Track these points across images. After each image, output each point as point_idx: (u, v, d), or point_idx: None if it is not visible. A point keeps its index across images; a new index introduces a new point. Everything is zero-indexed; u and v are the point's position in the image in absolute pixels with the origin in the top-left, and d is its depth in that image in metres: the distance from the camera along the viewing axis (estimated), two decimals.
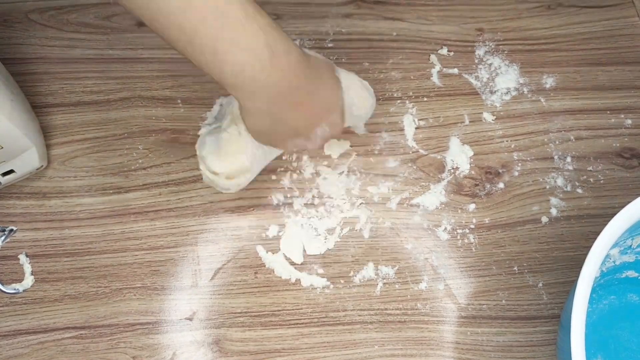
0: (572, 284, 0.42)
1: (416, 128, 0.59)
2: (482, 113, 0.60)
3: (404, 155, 0.58)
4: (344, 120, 0.50)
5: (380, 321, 0.52)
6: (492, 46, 0.64)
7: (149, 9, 0.38)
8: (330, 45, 0.63)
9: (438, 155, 0.58)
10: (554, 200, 0.57)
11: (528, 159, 0.58)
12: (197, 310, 0.52)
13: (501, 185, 0.57)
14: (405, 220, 0.56)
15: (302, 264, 0.54)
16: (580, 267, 0.40)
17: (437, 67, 0.62)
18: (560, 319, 0.48)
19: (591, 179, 0.58)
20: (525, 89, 0.62)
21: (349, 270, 0.54)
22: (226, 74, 0.41)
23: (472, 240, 0.55)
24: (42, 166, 0.55)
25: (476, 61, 0.63)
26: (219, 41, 0.39)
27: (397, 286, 0.53)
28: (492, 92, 0.61)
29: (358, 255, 0.54)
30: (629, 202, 0.41)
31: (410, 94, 0.61)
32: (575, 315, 0.38)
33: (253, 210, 0.55)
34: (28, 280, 0.52)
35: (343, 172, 0.57)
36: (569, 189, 0.57)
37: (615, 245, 0.43)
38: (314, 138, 0.48)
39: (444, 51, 0.63)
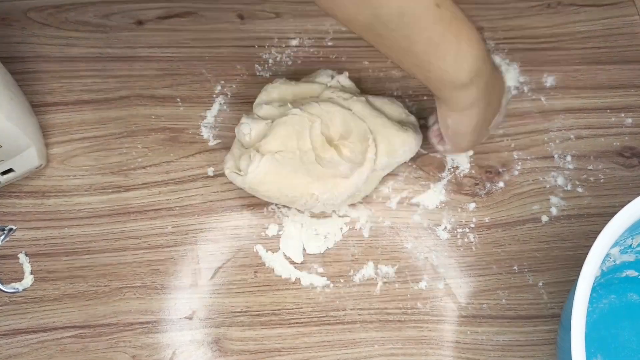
0: (572, 283, 0.42)
1: None
2: None
3: None
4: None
5: (380, 320, 0.52)
6: (493, 45, 0.63)
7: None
8: (330, 44, 0.62)
9: (438, 154, 0.58)
10: (554, 199, 0.57)
11: (528, 158, 0.58)
12: (197, 310, 0.52)
13: (501, 184, 0.57)
14: (405, 220, 0.55)
15: (301, 263, 0.54)
16: (581, 267, 0.40)
17: None
18: (560, 318, 0.48)
19: (591, 178, 0.58)
20: (525, 88, 0.62)
21: (348, 269, 0.54)
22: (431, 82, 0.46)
23: (472, 240, 0.55)
24: (41, 165, 0.54)
25: None
26: (432, 65, 0.43)
27: (397, 285, 0.53)
28: None
29: (358, 254, 0.54)
30: (629, 201, 0.41)
31: (410, 92, 0.61)
32: (575, 315, 0.38)
33: (253, 209, 0.55)
34: (27, 280, 0.52)
35: None
36: (569, 188, 0.57)
37: (615, 244, 0.43)
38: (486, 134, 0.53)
39: None
